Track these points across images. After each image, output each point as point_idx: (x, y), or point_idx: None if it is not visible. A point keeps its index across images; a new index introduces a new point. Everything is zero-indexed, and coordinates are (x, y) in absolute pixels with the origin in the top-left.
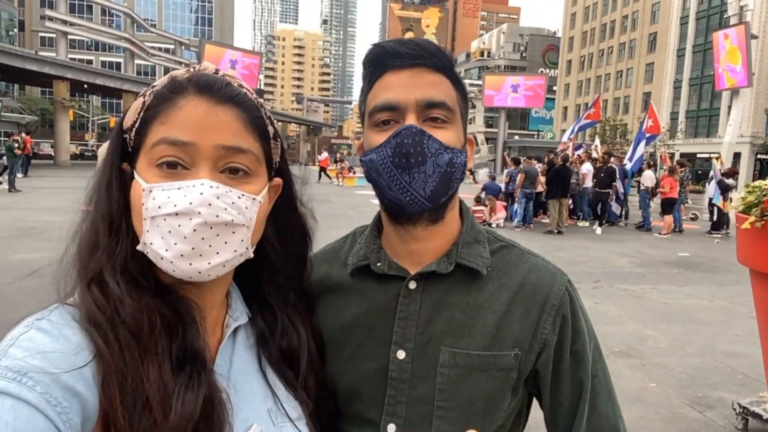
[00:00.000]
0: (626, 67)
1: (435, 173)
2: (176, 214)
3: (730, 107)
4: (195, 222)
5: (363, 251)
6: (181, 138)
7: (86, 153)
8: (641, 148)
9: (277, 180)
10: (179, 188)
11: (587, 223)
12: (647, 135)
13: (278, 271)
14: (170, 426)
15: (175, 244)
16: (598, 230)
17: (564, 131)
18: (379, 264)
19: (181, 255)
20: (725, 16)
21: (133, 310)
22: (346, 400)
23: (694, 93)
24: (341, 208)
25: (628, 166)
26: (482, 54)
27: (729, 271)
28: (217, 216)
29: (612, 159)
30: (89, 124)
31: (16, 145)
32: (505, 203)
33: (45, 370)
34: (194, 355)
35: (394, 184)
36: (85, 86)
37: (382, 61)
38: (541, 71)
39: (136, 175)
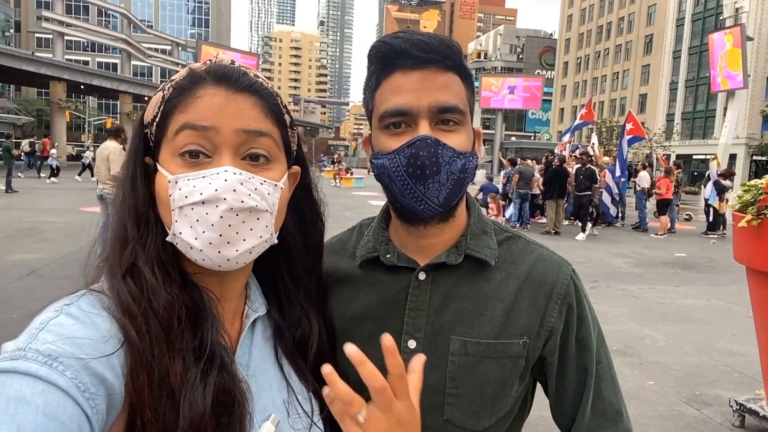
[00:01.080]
0: (622, 68)
1: (449, 181)
2: (203, 203)
3: (725, 109)
4: (221, 209)
5: (372, 243)
6: (201, 123)
7: (82, 154)
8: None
9: (296, 168)
10: (204, 176)
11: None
12: (628, 137)
13: (296, 259)
14: (188, 418)
15: (204, 232)
16: (581, 236)
17: (561, 132)
18: (388, 256)
19: (210, 243)
20: (721, 18)
21: (167, 302)
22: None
23: (690, 94)
24: (339, 209)
25: (617, 172)
26: (479, 55)
27: (725, 271)
28: (242, 201)
29: (607, 159)
30: (85, 125)
31: (30, 144)
32: (503, 203)
33: (75, 356)
34: (214, 348)
35: (408, 193)
36: (82, 87)
37: (390, 60)
38: (538, 73)
39: (159, 167)
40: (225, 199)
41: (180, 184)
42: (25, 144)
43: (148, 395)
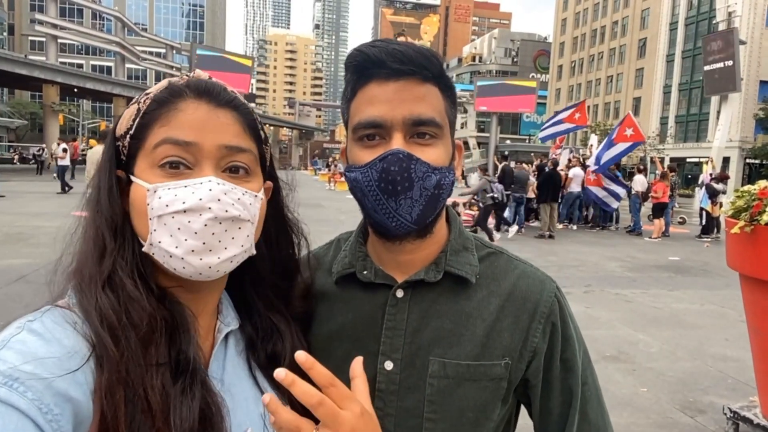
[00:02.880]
0: (616, 72)
1: (422, 197)
2: (184, 211)
3: (719, 112)
4: (206, 217)
5: (348, 258)
6: (184, 138)
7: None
8: (613, 152)
9: (269, 183)
10: (186, 186)
11: (575, 227)
12: (629, 143)
13: (264, 275)
14: None
15: (186, 240)
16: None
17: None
18: (365, 272)
19: (192, 251)
20: (714, 21)
21: (148, 314)
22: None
23: (683, 98)
24: (332, 212)
25: (593, 167)
26: (474, 59)
27: (719, 275)
28: (226, 211)
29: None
30: (79, 128)
31: (63, 150)
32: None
33: (37, 376)
34: (190, 363)
35: (380, 209)
36: (75, 90)
37: (366, 70)
38: (533, 76)
39: (135, 178)
40: (210, 208)
41: (159, 192)
42: (58, 149)
43: (124, 412)
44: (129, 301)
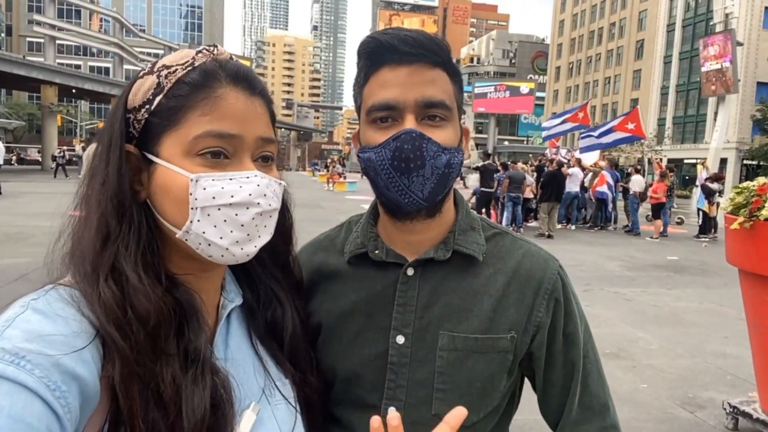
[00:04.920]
0: (614, 73)
1: (433, 175)
2: (231, 205)
3: (716, 113)
4: (254, 211)
5: (360, 239)
6: (230, 131)
7: (74, 159)
8: (609, 138)
9: None
10: (231, 179)
11: (573, 227)
12: (628, 135)
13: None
14: (186, 425)
15: (231, 232)
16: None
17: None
18: (377, 251)
19: (237, 242)
20: (711, 23)
21: (155, 306)
22: (346, 385)
23: (680, 99)
24: (332, 213)
25: (578, 154)
26: (472, 60)
27: (717, 274)
28: (270, 205)
29: (603, 164)
30: (77, 129)
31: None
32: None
33: (43, 353)
34: (201, 353)
35: (393, 186)
36: (74, 91)
37: (378, 56)
38: (530, 77)
39: (163, 161)
40: (259, 203)
41: (203, 183)
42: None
43: (139, 405)
44: (134, 294)
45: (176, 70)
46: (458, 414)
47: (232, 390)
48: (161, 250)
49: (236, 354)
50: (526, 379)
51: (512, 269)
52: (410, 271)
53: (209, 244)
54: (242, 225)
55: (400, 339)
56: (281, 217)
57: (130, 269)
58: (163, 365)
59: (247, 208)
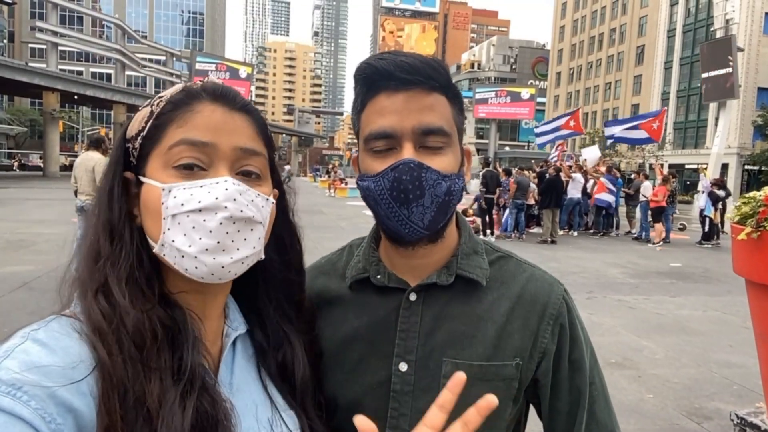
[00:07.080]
0: (614, 79)
1: (433, 204)
2: (200, 210)
3: (717, 119)
4: (221, 216)
5: (362, 264)
6: (201, 139)
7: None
8: (631, 133)
9: (275, 191)
10: (201, 186)
11: (575, 233)
12: (646, 136)
13: (275, 280)
14: None
15: (200, 238)
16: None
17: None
18: (379, 276)
19: (206, 249)
20: (711, 29)
21: (137, 320)
22: (347, 413)
23: (681, 105)
24: (333, 219)
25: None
26: (472, 66)
27: (720, 281)
28: (241, 211)
29: (602, 170)
30: (79, 135)
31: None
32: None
33: (40, 384)
34: (188, 370)
35: (393, 216)
36: (75, 97)
37: (374, 82)
38: (531, 83)
39: (146, 179)
40: (226, 207)
41: (175, 192)
42: None
43: (121, 418)
44: (122, 309)
45: (166, 96)
46: (488, 402)
47: (232, 414)
48: (160, 271)
49: (241, 384)
50: (531, 407)
51: (516, 294)
52: (413, 297)
53: (182, 256)
54: (210, 231)
55: (403, 366)
56: (282, 240)
57: (116, 286)
58: (151, 379)
59: (216, 213)
